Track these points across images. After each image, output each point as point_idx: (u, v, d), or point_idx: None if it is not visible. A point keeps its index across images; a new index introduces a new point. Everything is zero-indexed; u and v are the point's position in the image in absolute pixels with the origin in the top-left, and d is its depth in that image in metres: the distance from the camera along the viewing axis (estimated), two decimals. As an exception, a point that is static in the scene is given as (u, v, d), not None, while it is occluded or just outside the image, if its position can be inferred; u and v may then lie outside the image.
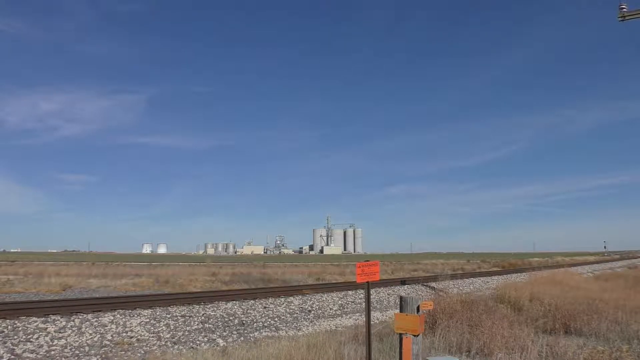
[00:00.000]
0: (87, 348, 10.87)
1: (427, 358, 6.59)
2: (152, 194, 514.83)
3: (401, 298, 6.18)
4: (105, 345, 11.18)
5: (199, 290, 25.90)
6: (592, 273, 43.12)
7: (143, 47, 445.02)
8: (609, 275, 36.24)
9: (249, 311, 16.66)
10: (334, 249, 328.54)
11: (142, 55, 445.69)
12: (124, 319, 13.54)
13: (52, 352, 10.32)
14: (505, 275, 38.82)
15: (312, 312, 18.04)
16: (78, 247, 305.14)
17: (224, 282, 31.66)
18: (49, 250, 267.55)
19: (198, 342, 12.18)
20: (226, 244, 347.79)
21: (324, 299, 20.63)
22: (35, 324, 12.15)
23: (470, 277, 34.44)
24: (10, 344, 10.50)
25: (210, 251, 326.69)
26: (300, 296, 20.70)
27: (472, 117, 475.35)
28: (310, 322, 16.05)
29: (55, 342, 11.04)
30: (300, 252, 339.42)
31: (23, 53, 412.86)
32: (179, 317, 14.71)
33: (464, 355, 8.84)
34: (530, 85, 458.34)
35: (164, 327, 13.42)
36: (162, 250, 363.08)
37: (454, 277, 32.69)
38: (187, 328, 13.65)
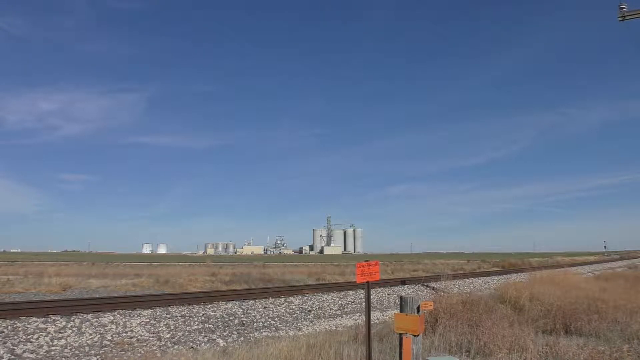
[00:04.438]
0: (87, 348, 10.87)
1: (427, 358, 6.59)
2: (152, 194, 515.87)
3: (401, 298, 6.18)
4: (105, 346, 11.17)
5: (199, 290, 25.89)
6: (592, 273, 43.10)
7: (143, 46, 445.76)
8: (609, 275, 36.20)
9: (249, 311, 16.65)
10: (334, 249, 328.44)
11: (142, 55, 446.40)
12: (124, 319, 13.53)
13: (52, 352, 10.32)
14: (505, 275, 38.79)
15: (312, 312, 18.03)
16: (78, 247, 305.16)
17: (224, 282, 31.65)
18: (49, 250, 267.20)
19: (198, 342, 12.17)
20: (226, 244, 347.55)
21: (324, 299, 20.62)
22: (35, 324, 12.14)
23: (471, 277, 34.42)
24: (10, 344, 10.49)
25: (210, 251, 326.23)
26: (300, 296, 20.69)
27: (472, 117, 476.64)
28: (310, 322, 16.05)
29: (55, 342, 11.03)
30: (300, 252, 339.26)
31: (23, 52, 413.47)
32: (179, 317, 14.70)
33: (464, 355, 8.84)
34: (531, 85, 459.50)
35: (164, 327, 13.41)
36: (162, 250, 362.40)
37: (454, 277, 32.64)
38: (187, 328, 13.64)
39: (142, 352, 10.71)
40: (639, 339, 10.59)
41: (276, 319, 16.08)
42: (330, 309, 18.90)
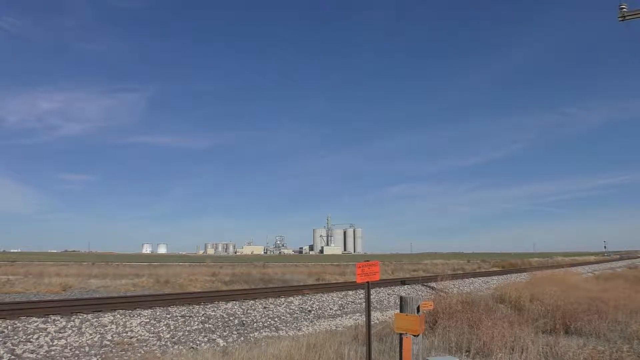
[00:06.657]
0: (87, 348, 10.87)
1: (427, 358, 6.58)
2: (152, 194, 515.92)
3: (401, 298, 6.18)
4: (105, 346, 11.18)
5: (199, 290, 25.90)
6: (592, 273, 43.09)
7: (143, 45, 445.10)
8: (609, 275, 36.24)
9: (249, 311, 16.66)
10: (334, 249, 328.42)
11: (143, 54, 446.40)
12: (124, 319, 13.54)
13: (52, 352, 10.32)
14: (505, 275, 38.84)
15: (312, 312, 18.04)
16: (78, 247, 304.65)
17: (224, 282, 31.67)
18: (49, 251, 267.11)
19: (198, 342, 12.18)
20: (226, 244, 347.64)
21: (324, 299, 20.62)
22: (35, 324, 12.14)
23: (471, 277, 34.42)
24: (10, 344, 10.49)
25: (210, 251, 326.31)
26: (300, 296, 20.70)
27: (472, 117, 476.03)
28: (311, 322, 16.05)
29: (55, 342, 11.03)
30: (300, 252, 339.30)
31: (23, 51, 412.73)
32: (179, 317, 14.70)
33: (464, 355, 8.84)
34: (531, 85, 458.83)
35: (164, 327, 13.41)
36: (162, 250, 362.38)
37: (454, 277, 32.68)
38: (187, 328, 13.64)
39: (142, 352, 10.71)
40: (639, 339, 10.59)
41: (276, 319, 16.08)
42: (330, 309, 18.90)
